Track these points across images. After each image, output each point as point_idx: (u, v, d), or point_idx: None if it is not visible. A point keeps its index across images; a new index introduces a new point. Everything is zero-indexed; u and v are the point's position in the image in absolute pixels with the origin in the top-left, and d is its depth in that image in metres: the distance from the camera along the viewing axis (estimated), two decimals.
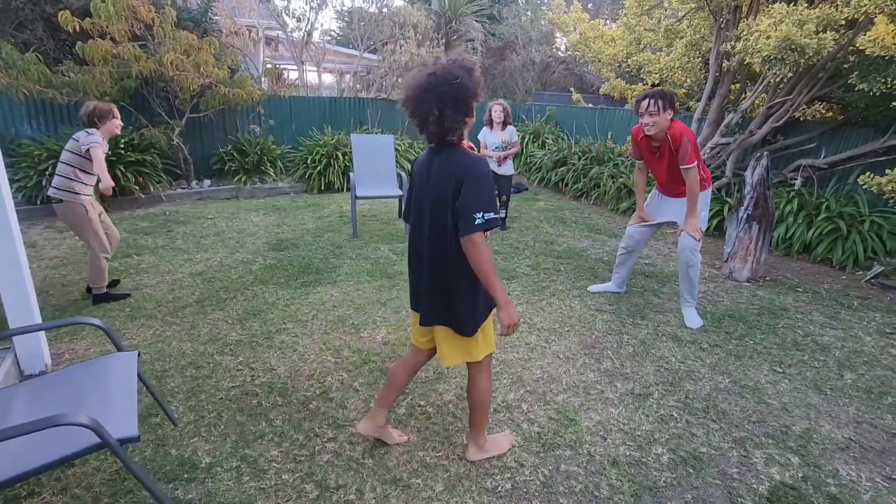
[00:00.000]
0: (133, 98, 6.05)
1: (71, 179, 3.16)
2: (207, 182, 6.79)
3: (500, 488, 1.88)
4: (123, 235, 4.75)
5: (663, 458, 2.07)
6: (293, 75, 10.72)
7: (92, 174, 3.21)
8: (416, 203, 1.75)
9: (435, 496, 1.83)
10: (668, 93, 3.04)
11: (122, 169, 5.62)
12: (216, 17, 7.38)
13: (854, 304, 3.76)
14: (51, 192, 3.19)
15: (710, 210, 4.42)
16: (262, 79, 8.49)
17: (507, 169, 5.28)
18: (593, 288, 3.87)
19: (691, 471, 2.01)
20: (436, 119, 1.52)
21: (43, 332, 2.57)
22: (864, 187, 4.70)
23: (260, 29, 10.02)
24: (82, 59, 5.38)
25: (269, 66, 8.60)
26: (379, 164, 5.51)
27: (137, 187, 5.79)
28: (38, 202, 5.36)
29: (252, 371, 2.60)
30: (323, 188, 7.14)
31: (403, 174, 5.39)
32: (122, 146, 5.73)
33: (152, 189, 5.96)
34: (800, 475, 2.00)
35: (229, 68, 6.51)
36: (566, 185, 7.42)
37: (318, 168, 7.12)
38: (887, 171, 4.51)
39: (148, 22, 5.51)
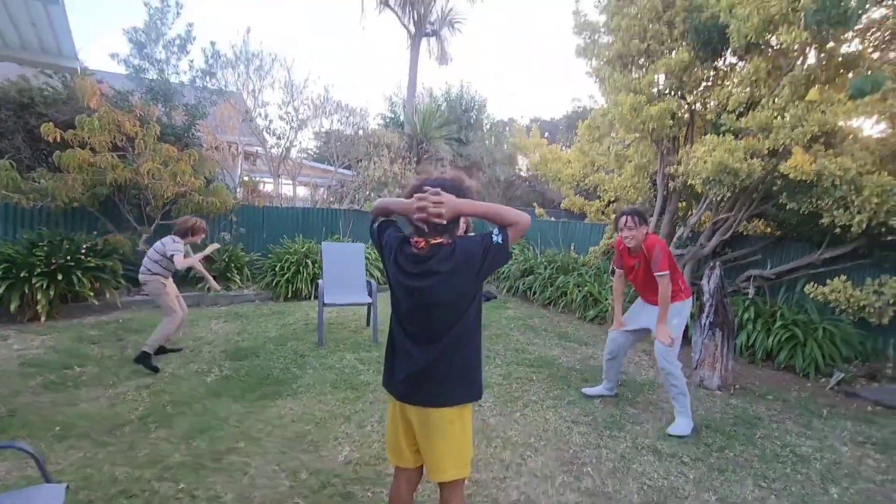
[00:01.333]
0: (103, 204, 6.05)
1: (154, 273, 4.10)
2: None
3: None
4: (66, 345, 4.42)
5: None
6: (269, 187, 11.13)
7: (168, 270, 4.17)
8: (406, 289, 1.65)
9: None
10: (642, 210, 3.39)
11: (79, 274, 5.40)
12: (199, 134, 7.79)
13: (824, 413, 3.76)
14: (140, 277, 4.13)
15: None
16: (238, 189, 8.75)
17: None
18: (587, 390, 3.87)
19: None
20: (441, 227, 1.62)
21: None
22: (811, 296, 5.00)
23: (240, 145, 10.58)
24: (57, 167, 5.45)
25: (245, 178, 8.93)
26: (349, 272, 5.52)
27: (92, 293, 5.53)
28: None
29: (193, 500, 2.28)
30: (290, 296, 7.01)
31: (373, 282, 5.39)
32: (82, 252, 5.58)
33: (108, 295, 5.70)
34: None
35: (206, 178, 6.71)
36: (534, 293, 7.57)
37: (287, 275, 7.06)
38: (828, 281, 4.85)
39: (131, 135, 5.74)
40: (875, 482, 2.77)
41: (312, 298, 6.98)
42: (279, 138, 10.02)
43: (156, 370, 3.90)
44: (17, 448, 1.72)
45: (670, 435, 3.19)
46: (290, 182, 10.82)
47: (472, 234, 1.70)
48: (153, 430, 2.95)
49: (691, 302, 3.47)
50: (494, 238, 1.59)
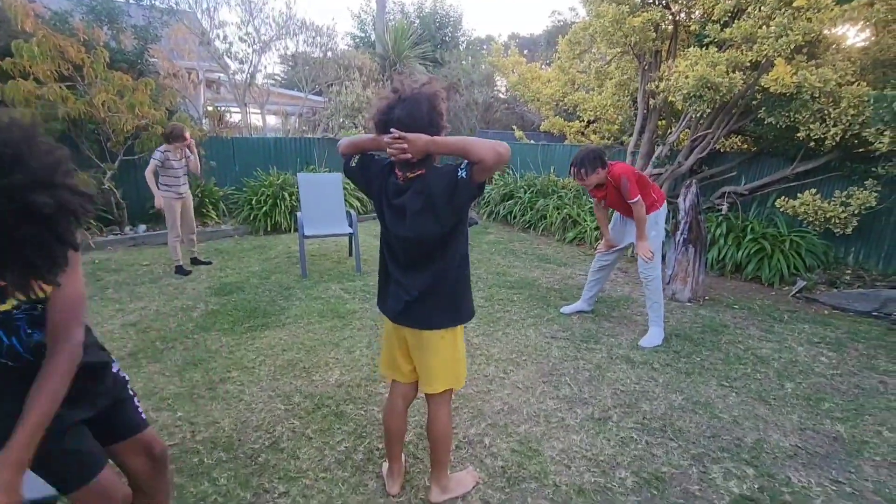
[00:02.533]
0: (59, 141, 5.68)
1: (160, 184, 4.63)
2: (142, 227, 6.42)
3: None
4: None
5: (627, 481, 2.06)
6: (236, 117, 10.56)
7: (167, 177, 4.62)
8: (394, 214, 1.66)
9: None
10: (593, 154, 3.29)
11: None
12: (153, 60, 7.20)
13: (785, 318, 4.02)
14: None
15: None
16: (203, 120, 8.29)
17: None
18: (565, 309, 4.02)
19: (655, 492, 2.00)
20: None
21: None
22: (781, 210, 5.15)
23: (200, 71, 9.87)
24: (1, 101, 5.03)
25: (209, 107, 8.43)
26: (327, 203, 5.44)
27: None
28: None
29: (192, 426, 2.39)
30: (269, 229, 6.93)
31: (353, 212, 5.34)
32: None
33: (79, 237, 5.53)
34: (756, 486, 2.05)
35: (167, 110, 6.32)
36: (514, 217, 7.62)
37: (264, 209, 6.93)
38: (799, 195, 4.98)
39: (77, 62, 5.27)
40: (826, 377, 3.04)
41: (292, 231, 6.91)
42: (242, 63, 9.40)
43: (206, 263, 5.17)
44: None
45: (642, 347, 3.40)
46: (259, 111, 10.28)
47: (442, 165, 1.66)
48: (145, 364, 3.01)
49: (666, 208, 3.54)
50: (459, 173, 1.53)
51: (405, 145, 1.51)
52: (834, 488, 2.05)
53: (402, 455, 2.06)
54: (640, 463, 2.18)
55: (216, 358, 3.11)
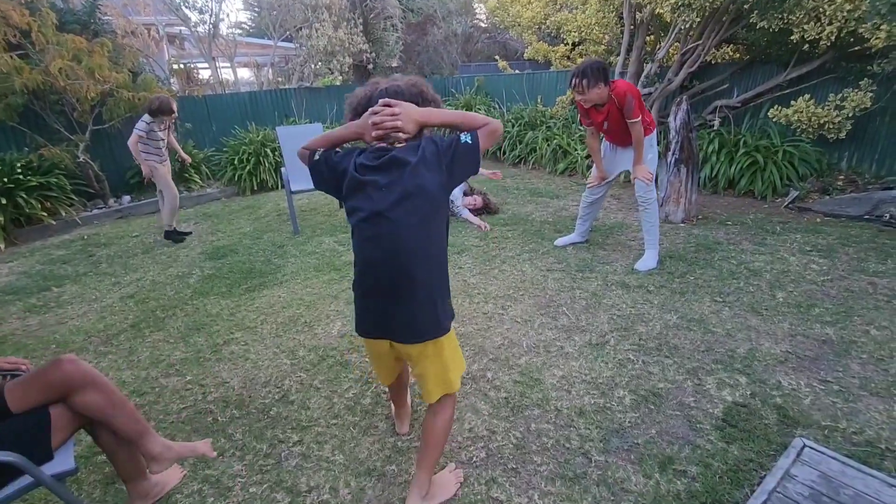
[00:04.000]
0: (23, 116, 5.45)
1: (143, 153, 4.40)
2: (127, 198, 6.29)
3: (475, 458, 1.89)
4: (37, 268, 4.33)
5: (626, 399, 2.15)
6: (206, 73, 10.05)
7: (151, 145, 4.43)
8: (369, 187, 1.39)
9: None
10: (597, 66, 3.07)
11: (24, 196, 5.08)
12: (106, 18, 6.74)
13: (777, 229, 4.04)
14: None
15: None
16: (171, 80, 7.90)
17: None
18: (559, 241, 4.01)
19: (652, 407, 2.09)
20: None
21: None
22: (774, 120, 5.04)
23: (160, 26, 9.29)
24: None
25: (175, 65, 8.01)
26: None
27: (46, 213, 5.27)
28: None
29: (203, 388, 2.46)
30: (256, 188, 6.81)
31: None
32: (19, 171, 5.17)
33: (63, 213, 5.44)
34: (748, 393, 2.14)
35: (130, 71, 6.00)
36: (503, 153, 7.47)
37: (248, 168, 6.77)
38: (792, 102, 4.85)
39: (24, 28, 4.93)
40: (817, 283, 3.09)
41: (280, 188, 6.80)
42: (202, 13, 8.80)
43: (187, 235, 4.92)
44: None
45: (638, 270, 3.43)
46: (228, 64, 9.77)
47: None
48: (148, 334, 3.05)
49: (656, 131, 3.45)
50: (463, 137, 1.40)
51: (398, 111, 1.33)
52: (822, 388, 2.14)
53: (409, 397, 2.13)
54: (638, 381, 2.26)
55: (217, 321, 3.15)
